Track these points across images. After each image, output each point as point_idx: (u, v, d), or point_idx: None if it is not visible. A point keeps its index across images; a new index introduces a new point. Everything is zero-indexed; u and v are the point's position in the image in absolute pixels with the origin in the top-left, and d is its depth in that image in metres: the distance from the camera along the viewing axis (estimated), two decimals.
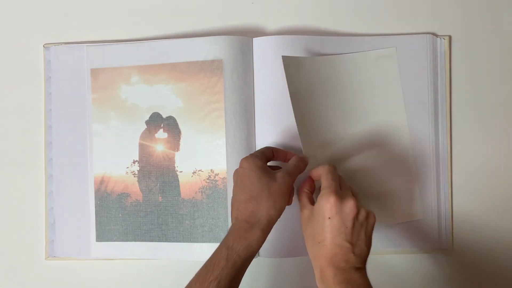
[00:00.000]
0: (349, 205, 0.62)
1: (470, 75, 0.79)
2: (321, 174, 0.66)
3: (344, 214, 0.61)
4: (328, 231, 0.61)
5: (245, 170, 0.65)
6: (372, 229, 0.63)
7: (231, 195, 0.69)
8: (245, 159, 0.66)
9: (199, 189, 0.78)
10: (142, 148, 0.79)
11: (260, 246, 0.64)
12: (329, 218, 0.61)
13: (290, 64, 0.72)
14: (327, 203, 0.62)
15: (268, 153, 0.69)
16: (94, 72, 0.79)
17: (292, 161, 0.69)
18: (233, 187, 0.68)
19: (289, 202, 0.68)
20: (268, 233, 0.65)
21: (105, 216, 0.79)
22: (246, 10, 0.80)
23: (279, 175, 0.66)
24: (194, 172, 0.78)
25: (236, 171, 0.67)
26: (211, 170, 0.77)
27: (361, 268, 0.61)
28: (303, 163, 0.69)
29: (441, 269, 0.79)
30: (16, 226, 0.81)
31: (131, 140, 0.79)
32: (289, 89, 0.71)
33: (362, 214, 0.62)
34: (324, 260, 0.61)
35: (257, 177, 0.64)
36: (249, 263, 0.64)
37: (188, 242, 0.77)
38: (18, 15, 0.82)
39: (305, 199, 0.67)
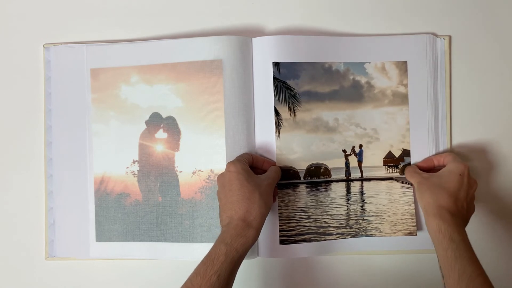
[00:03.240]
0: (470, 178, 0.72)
1: (470, 75, 0.79)
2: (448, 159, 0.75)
3: (468, 178, 0.72)
4: (457, 182, 0.70)
5: (233, 173, 0.70)
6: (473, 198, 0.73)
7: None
8: (231, 163, 0.71)
9: (198, 189, 0.78)
10: (142, 148, 0.79)
11: (255, 242, 0.69)
12: (460, 175, 0.71)
13: None
14: (460, 164, 0.72)
15: (248, 159, 0.75)
16: (94, 72, 0.79)
17: (272, 170, 0.75)
18: (220, 190, 0.72)
19: (274, 201, 0.76)
20: (261, 230, 0.70)
21: (104, 216, 0.79)
22: (246, 10, 0.80)
23: (264, 178, 0.73)
24: (193, 172, 0.78)
25: (222, 175, 0.72)
26: (211, 170, 0.77)
27: (462, 226, 0.69)
28: (279, 174, 0.76)
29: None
30: (16, 226, 0.81)
31: (130, 140, 0.79)
32: None
33: (475, 185, 0.73)
34: (446, 203, 0.69)
35: (246, 180, 0.70)
36: (244, 258, 0.68)
37: (187, 242, 0.77)
38: (18, 15, 0.82)
39: (418, 170, 0.76)
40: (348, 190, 0.79)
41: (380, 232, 0.78)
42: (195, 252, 0.77)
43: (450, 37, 0.79)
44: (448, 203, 0.69)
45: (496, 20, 0.79)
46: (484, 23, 0.79)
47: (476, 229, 0.79)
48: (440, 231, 0.67)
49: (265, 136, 0.77)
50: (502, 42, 0.79)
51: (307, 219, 0.78)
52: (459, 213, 0.69)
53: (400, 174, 0.78)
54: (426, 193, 0.71)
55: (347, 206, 0.78)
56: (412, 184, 0.77)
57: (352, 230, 0.78)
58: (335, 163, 0.78)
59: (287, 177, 0.76)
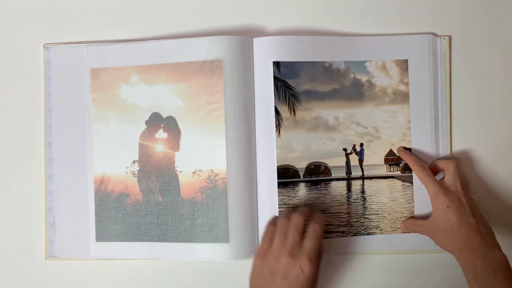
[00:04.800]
0: (455, 187, 0.72)
1: (470, 75, 0.79)
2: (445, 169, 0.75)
3: (459, 199, 0.71)
4: (453, 215, 0.69)
5: (306, 278, 0.66)
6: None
7: (231, 195, 0.73)
8: (310, 262, 0.67)
9: (199, 189, 0.77)
10: (142, 148, 0.79)
11: None
12: (448, 207, 0.70)
13: None
14: (442, 196, 0.71)
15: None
16: (94, 72, 0.79)
17: (309, 240, 0.70)
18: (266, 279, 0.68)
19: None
20: None
21: (104, 216, 0.79)
22: (246, 10, 0.81)
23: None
24: (194, 172, 0.78)
25: (294, 268, 0.67)
26: (211, 170, 0.77)
27: (495, 244, 0.68)
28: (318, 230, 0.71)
29: (441, 269, 0.79)
30: (16, 226, 0.81)
31: (131, 140, 0.79)
32: None
33: (467, 194, 0.72)
34: (461, 241, 0.68)
35: None
36: None
37: (188, 242, 0.77)
38: (18, 15, 0.82)
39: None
40: (349, 189, 0.79)
41: (381, 230, 0.78)
42: (196, 252, 0.77)
43: (450, 37, 0.79)
44: (456, 243, 0.69)
45: (496, 20, 0.79)
46: (484, 23, 0.79)
47: None
48: (466, 270, 0.67)
49: (265, 135, 0.77)
50: (502, 42, 0.79)
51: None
52: (475, 240, 0.68)
53: (402, 173, 0.78)
54: (438, 241, 0.72)
55: (348, 204, 0.78)
56: (411, 183, 0.78)
57: (353, 228, 0.78)
58: (335, 162, 0.78)
59: (287, 176, 0.76)
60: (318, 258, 0.69)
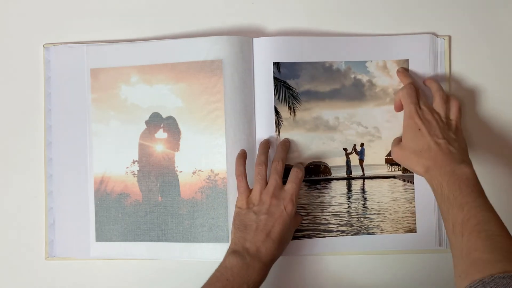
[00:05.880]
0: (427, 110, 0.71)
1: (470, 75, 0.79)
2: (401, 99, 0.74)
3: (429, 121, 0.70)
4: (423, 138, 0.70)
5: (287, 216, 0.71)
6: (457, 123, 0.72)
7: (231, 195, 0.75)
8: (292, 202, 0.71)
9: (199, 189, 0.78)
10: (142, 148, 0.79)
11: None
12: (419, 129, 0.70)
13: None
14: (412, 118, 0.71)
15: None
16: (94, 72, 0.79)
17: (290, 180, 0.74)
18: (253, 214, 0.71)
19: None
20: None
21: (104, 216, 0.79)
22: (246, 10, 0.81)
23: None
24: (194, 172, 0.78)
25: (278, 207, 0.71)
26: (211, 170, 0.77)
27: (465, 161, 0.68)
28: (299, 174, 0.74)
29: (441, 269, 0.79)
30: (16, 226, 0.81)
31: (130, 140, 0.79)
32: None
33: (441, 114, 0.72)
34: (430, 161, 0.68)
35: (289, 229, 0.73)
36: None
37: (188, 242, 0.77)
38: (18, 15, 0.82)
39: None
40: (349, 188, 0.79)
41: (382, 230, 0.78)
42: (196, 252, 0.77)
43: (450, 37, 0.79)
44: (426, 164, 0.69)
45: (496, 20, 0.79)
46: (484, 23, 0.79)
47: None
48: (434, 190, 0.67)
49: (265, 136, 0.77)
50: (502, 42, 0.79)
51: (306, 216, 0.78)
52: (443, 158, 0.67)
53: (403, 172, 0.79)
54: (408, 164, 0.72)
55: (348, 204, 0.78)
56: (412, 183, 0.78)
57: (353, 228, 0.78)
58: (335, 162, 0.78)
59: (287, 176, 0.76)
60: (297, 201, 0.73)
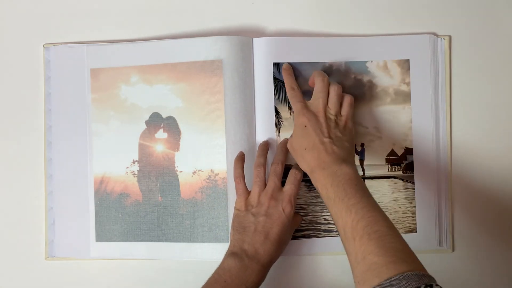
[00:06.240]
0: (316, 107, 0.71)
1: (470, 75, 0.79)
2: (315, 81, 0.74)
3: (315, 118, 0.70)
4: (308, 136, 0.69)
5: (285, 217, 0.71)
6: (346, 121, 0.72)
7: (231, 195, 0.75)
8: (290, 203, 0.71)
9: (199, 189, 0.77)
10: (142, 148, 0.79)
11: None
12: (305, 126, 0.70)
13: None
14: (300, 116, 0.71)
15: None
16: (94, 72, 0.79)
17: (288, 183, 0.74)
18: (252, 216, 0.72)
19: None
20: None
21: (104, 216, 0.79)
22: (246, 10, 0.80)
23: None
24: (194, 172, 0.78)
25: (276, 208, 0.71)
26: (211, 170, 0.77)
27: (348, 161, 0.67)
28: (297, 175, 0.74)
29: (441, 269, 0.79)
30: (16, 226, 0.81)
31: (131, 140, 0.79)
32: None
33: (331, 111, 0.71)
34: (314, 161, 0.68)
35: (287, 231, 0.73)
36: None
37: (188, 242, 0.77)
38: (18, 15, 0.82)
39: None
40: None
41: None
42: (196, 252, 0.77)
43: (450, 37, 0.79)
44: (310, 164, 0.68)
45: (496, 20, 0.79)
46: (484, 23, 0.79)
47: (478, 229, 0.79)
48: (320, 193, 0.67)
49: (266, 136, 0.77)
50: (502, 42, 0.79)
51: (306, 216, 0.78)
52: (326, 158, 0.67)
53: (403, 173, 0.79)
54: (298, 162, 0.72)
55: None
56: (413, 183, 0.78)
57: None
58: None
59: (287, 175, 0.76)
60: (295, 202, 0.73)
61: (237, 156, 0.75)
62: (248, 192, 0.74)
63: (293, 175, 0.73)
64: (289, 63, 0.77)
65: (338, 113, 0.71)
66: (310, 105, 0.72)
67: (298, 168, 0.74)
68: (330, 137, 0.68)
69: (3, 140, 0.81)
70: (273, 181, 0.72)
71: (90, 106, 0.79)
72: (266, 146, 0.76)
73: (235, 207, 0.74)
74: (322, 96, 0.72)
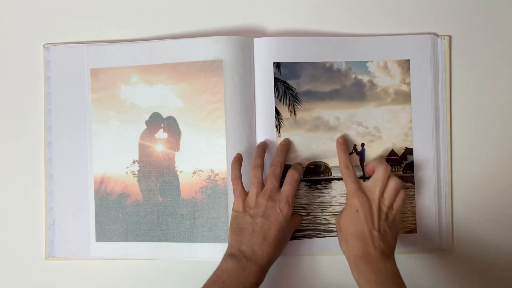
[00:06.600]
0: (372, 194, 0.71)
1: (470, 75, 0.79)
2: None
3: (369, 205, 0.70)
4: (359, 222, 0.70)
5: (283, 217, 0.71)
6: (395, 215, 0.71)
7: (232, 195, 0.75)
8: (288, 204, 0.71)
9: (199, 189, 0.77)
10: (142, 148, 0.79)
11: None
12: (357, 211, 0.70)
13: None
14: (354, 198, 0.71)
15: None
16: (94, 72, 0.79)
17: (284, 186, 0.74)
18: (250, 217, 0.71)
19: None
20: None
21: (105, 216, 0.79)
22: (246, 10, 0.81)
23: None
24: (194, 172, 0.78)
25: (274, 209, 0.71)
26: (211, 170, 0.77)
27: (390, 257, 0.69)
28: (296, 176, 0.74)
29: (441, 269, 0.79)
30: (16, 226, 0.81)
31: (131, 140, 0.79)
32: None
33: (385, 202, 0.71)
34: (359, 250, 0.68)
35: (286, 231, 0.73)
36: None
37: (188, 242, 0.77)
38: (18, 15, 0.82)
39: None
40: None
41: None
42: (196, 252, 0.77)
43: (450, 37, 0.79)
44: (353, 251, 0.69)
45: (496, 20, 0.79)
46: (484, 23, 0.79)
47: (478, 229, 0.79)
48: (361, 285, 0.67)
49: (266, 136, 0.77)
50: (502, 42, 0.79)
51: (306, 216, 0.78)
52: (372, 253, 0.68)
53: (403, 173, 0.79)
54: (340, 243, 0.72)
55: None
56: (413, 183, 0.78)
57: None
58: (336, 162, 0.78)
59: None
60: (293, 202, 0.73)
61: (234, 157, 0.75)
62: (246, 193, 0.73)
63: (290, 176, 0.73)
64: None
65: (390, 206, 0.71)
66: (365, 189, 0.72)
67: (296, 168, 0.74)
68: (379, 230, 0.69)
69: (3, 140, 0.81)
70: (271, 182, 0.72)
71: (90, 106, 0.79)
72: (263, 147, 0.76)
73: (233, 208, 0.74)
74: (380, 185, 0.71)
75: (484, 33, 0.79)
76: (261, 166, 0.73)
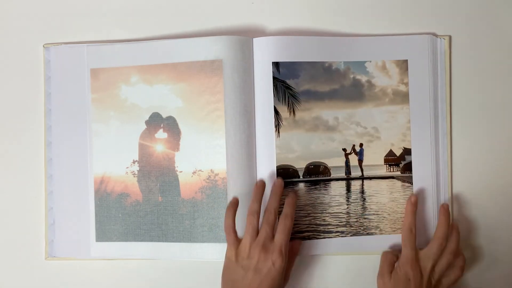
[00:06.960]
0: (425, 262, 0.72)
1: (470, 75, 0.79)
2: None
3: (420, 275, 0.72)
4: None
5: (276, 270, 0.70)
6: (438, 284, 0.73)
7: (231, 195, 0.75)
8: (280, 255, 0.70)
9: (199, 189, 0.78)
10: (142, 148, 0.79)
11: None
12: (409, 280, 0.71)
13: None
14: (408, 266, 0.72)
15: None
16: (94, 72, 0.79)
17: (278, 233, 0.72)
18: (253, 271, 0.70)
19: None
20: None
21: (105, 216, 0.79)
22: (246, 10, 0.81)
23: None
24: (194, 172, 0.78)
25: (266, 263, 0.70)
26: (211, 170, 0.77)
27: None
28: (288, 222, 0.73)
29: None
30: (16, 226, 0.81)
31: (131, 140, 0.79)
32: None
33: (435, 275, 0.73)
34: None
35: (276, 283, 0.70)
36: None
37: (188, 242, 0.77)
38: (18, 15, 0.82)
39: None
40: (348, 189, 0.79)
41: (381, 230, 0.78)
42: (196, 252, 0.77)
43: (450, 37, 0.79)
44: None
45: (496, 20, 0.79)
46: (484, 23, 0.79)
47: (478, 230, 0.79)
48: None
49: (265, 136, 0.77)
50: (502, 42, 0.79)
51: (306, 217, 0.78)
52: None
53: (402, 173, 0.78)
54: None
55: (347, 204, 0.78)
56: (411, 183, 0.78)
57: (352, 228, 0.78)
58: (335, 162, 0.78)
59: (287, 176, 0.76)
60: (287, 251, 0.72)
61: (230, 202, 0.74)
62: (239, 241, 0.72)
63: (282, 224, 0.72)
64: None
65: (439, 280, 0.73)
66: (422, 256, 0.73)
67: (287, 215, 0.73)
68: None
69: (3, 140, 0.81)
70: (265, 231, 0.71)
71: (90, 106, 0.79)
72: (261, 188, 0.74)
73: (226, 255, 0.73)
74: (434, 258, 0.72)
75: (484, 33, 0.79)
76: (258, 212, 0.72)
